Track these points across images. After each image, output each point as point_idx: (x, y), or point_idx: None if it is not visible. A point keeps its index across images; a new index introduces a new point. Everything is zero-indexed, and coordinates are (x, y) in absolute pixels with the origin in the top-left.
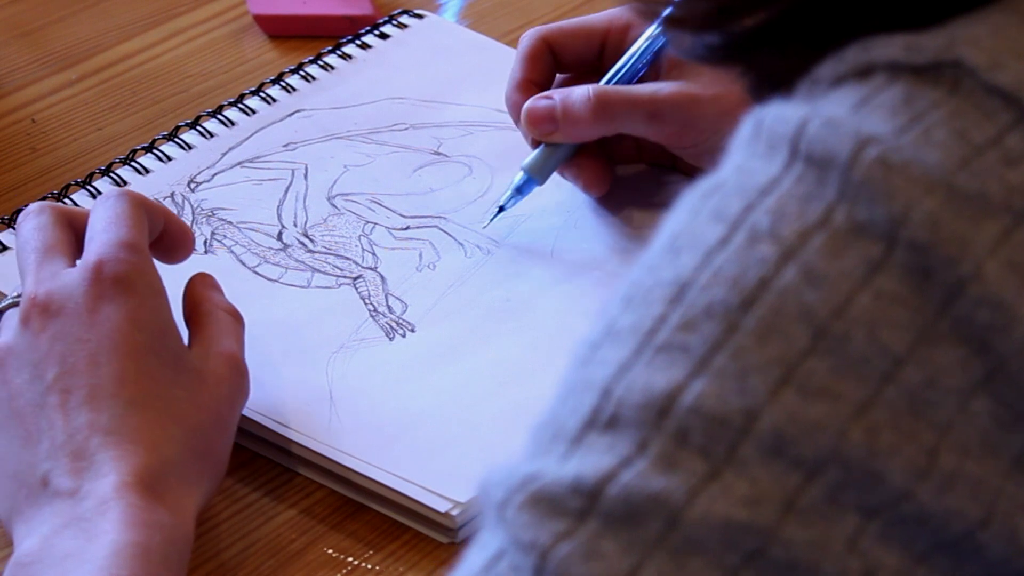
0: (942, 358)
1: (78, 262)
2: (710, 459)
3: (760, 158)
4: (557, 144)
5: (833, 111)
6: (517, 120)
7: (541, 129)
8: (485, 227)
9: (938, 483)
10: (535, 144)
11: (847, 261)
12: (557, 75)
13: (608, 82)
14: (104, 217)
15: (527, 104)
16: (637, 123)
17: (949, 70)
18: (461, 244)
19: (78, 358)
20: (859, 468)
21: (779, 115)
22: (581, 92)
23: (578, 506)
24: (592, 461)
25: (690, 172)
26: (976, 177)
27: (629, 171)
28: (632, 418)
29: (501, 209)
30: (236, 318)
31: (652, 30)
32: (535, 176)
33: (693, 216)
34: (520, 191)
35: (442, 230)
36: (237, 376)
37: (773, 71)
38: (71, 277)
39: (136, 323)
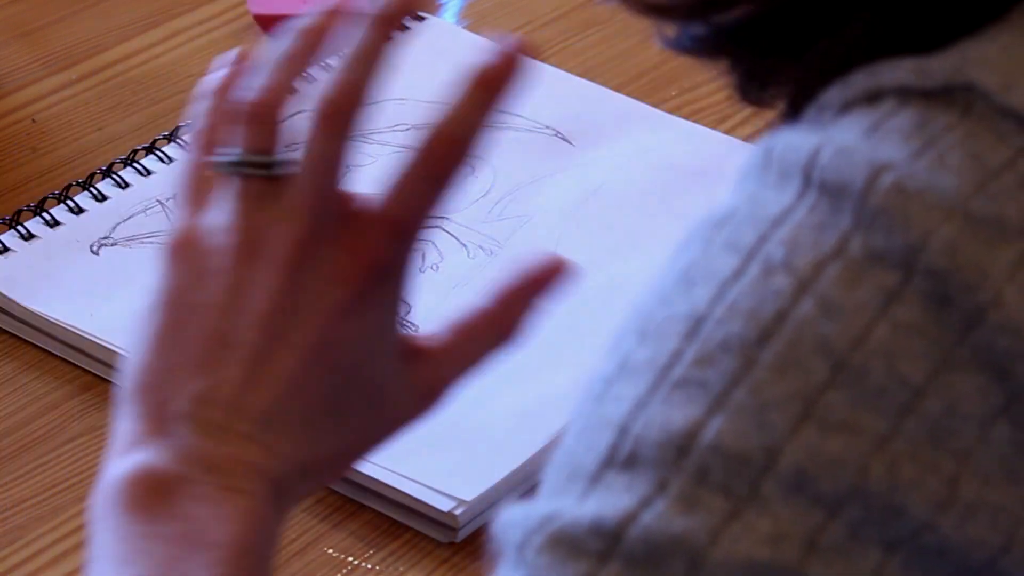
0: (962, 386)
1: None
2: (731, 498)
3: (772, 188)
4: None
5: (845, 138)
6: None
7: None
8: None
9: (959, 513)
10: None
11: (863, 291)
12: None
13: None
14: None
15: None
16: None
17: (961, 93)
18: (464, 245)
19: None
20: (880, 502)
21: (789, 143)
22: None
23: (599, 548)
24: (612, 501)
25: None
26: (993, 201)
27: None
28: (651, 457)
29: None
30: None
31: None
32: None
33: (706, 246)
34: None
35: (445, 231)
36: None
37: (761, 67)
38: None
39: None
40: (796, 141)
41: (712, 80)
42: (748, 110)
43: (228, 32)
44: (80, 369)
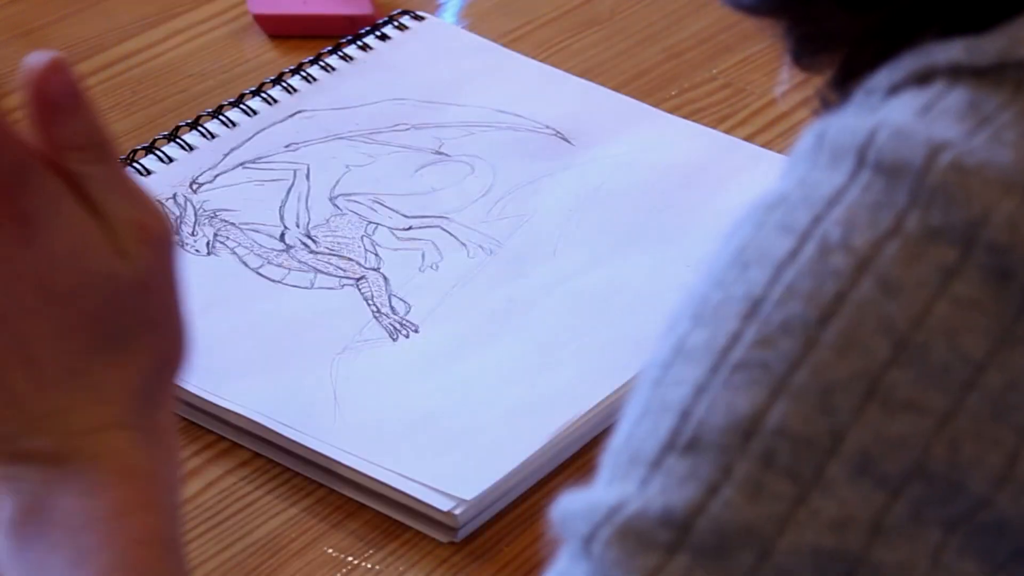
0: (1022, 360)
1: None
2: (798, 482)
3: (824, 169)
4: None
5: (900, 120)
6: None
7: None
8: None
9: (1017, 488)
10: None
11: (923, 268)
12: None
13: None
14: None
15: None
16: None
17: (1013, 70)
18: (464, 244)
19: None
20: (941, 480)
21: (843, 126)
22: None
23: (668, 539)
24: (677, 489)
25: None
26: None
27: (632, 172)
28: (715, 441)
29: None
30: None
31: None
32: None
33: (758, 229)
34: None
35: (444, 230)
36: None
37: (820, 30)
38: None
39: None
40: (850, 123)
41: (712, 80)
42: (748, 110)
43: (228, 32)
44: None
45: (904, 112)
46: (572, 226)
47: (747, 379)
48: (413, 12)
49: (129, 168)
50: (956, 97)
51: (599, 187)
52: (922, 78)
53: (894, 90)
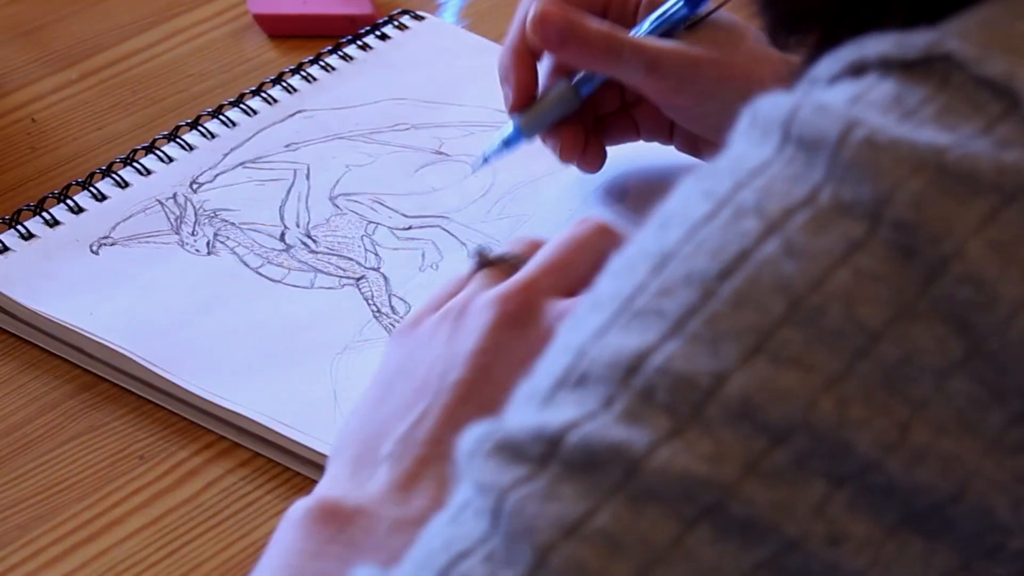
0: (920, 336)
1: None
2: (675, 417)
3: (754, 144)
4: (551, 99)
5: (825, 98)
6: (505, 81)
7: (547, 35)
8: (471, 175)
9: (908, 457)
10: (517, 100)
11: (829, 237)
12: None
13: None
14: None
15: (541, 5)
16: (637, 69)
17: (939, 64)
18: (464, 244)
19: (498, 378)
20: (828, 437)
21: (773, 103)
22: (595, 22)
23: (539, 452)
24: (555, 414)
25: (689, 148)
26: (966, 158)
27: (634, 174)
28: (600, 375)
29: (486, 160)
30: None
31: (659, 11)
32: (525, 130)
33: (685, 196)
34: (508, 144)
35: (444, 230)
36: None
37: (793, 9)
38: (555, 309)
39: None
40: (779, 100)
41: None
42: None
43: (228, 32)
44: (80, 369)
45: (835, 98)
46: (571, 225)
47: (642, 324)
48: (413, 12)
49: (129, 168)
50: (884, 89)
51: (599, 187)
52: (856, 70)
53: (833, 80)
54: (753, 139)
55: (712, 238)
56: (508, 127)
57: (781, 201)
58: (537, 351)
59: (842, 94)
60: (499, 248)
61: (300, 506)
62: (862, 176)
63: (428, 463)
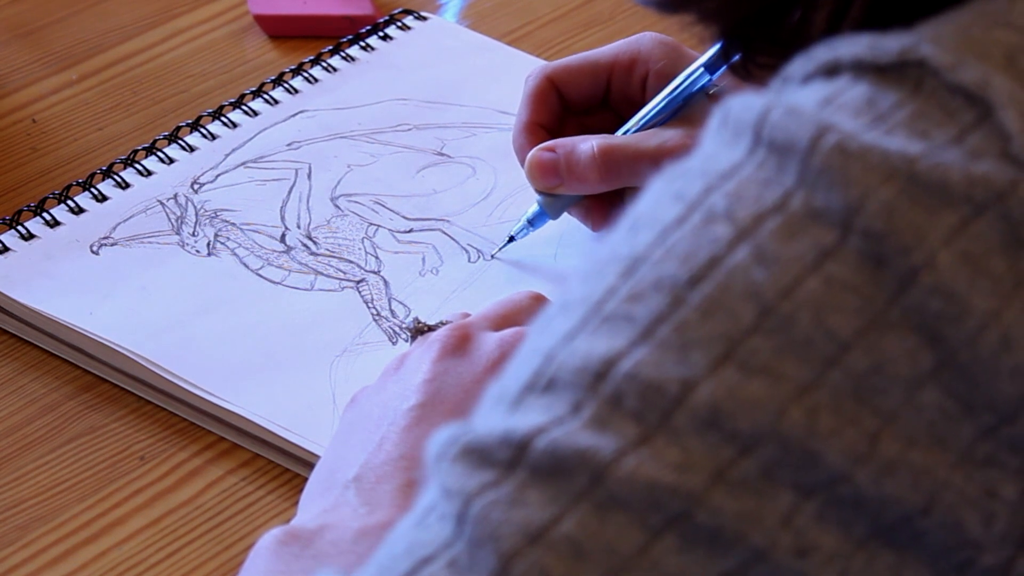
0: (891, 346)
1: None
2: (642, 424)
3: (726, 145)
4: None
5: (797, 100)
6: (523, 162)
7: (545, 182)
8: (494, 255)
9: (878, 469)
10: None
11: (799, 245)
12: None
13: (626, 131)
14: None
15: (530, 156)
16: (643, 176)
17: (913, 70)
18: (464, 249)
19: (448, 401)
20: (796, 447)
21: (745, 104)
22: (585, 148)
23: (506, 457)
24: (523, 419)
25: None
26: (937, 167)
27: None
28: (568, 381)
29: (511, 239)
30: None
31: (678, 80)
32: (548, 211)
33: (656, 198)
34: (532, 223)
35: (445, 233)
36: None
37: (724, 22)
38: (491, 336)
39: None
40: (751, 102)
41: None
42: None
43: (228, 32)
44: (80, 369)
45: (807, 100)
46: (573, 231)
47: (611, 329)
48: (416, 12)
49: (130, 169)
50: (857, 92)
51: None
52: (830, 71)
53: (806, 80)
54: (724, 140)
55: (682, 243)
56: (533, 207)
57: (752, 207)
58: (481, 372)
59: (814, 95)
60: (434, 319)
61: (269, 535)
62: (833, 183)
63: (390, 478)
